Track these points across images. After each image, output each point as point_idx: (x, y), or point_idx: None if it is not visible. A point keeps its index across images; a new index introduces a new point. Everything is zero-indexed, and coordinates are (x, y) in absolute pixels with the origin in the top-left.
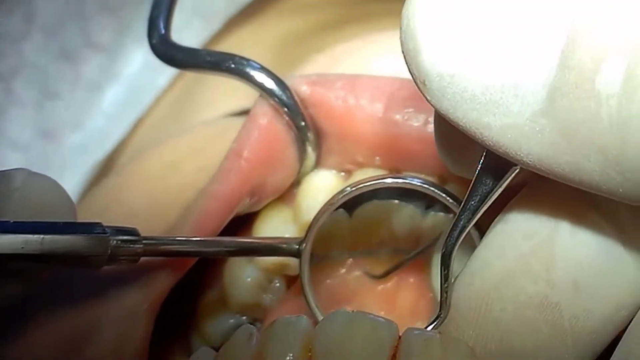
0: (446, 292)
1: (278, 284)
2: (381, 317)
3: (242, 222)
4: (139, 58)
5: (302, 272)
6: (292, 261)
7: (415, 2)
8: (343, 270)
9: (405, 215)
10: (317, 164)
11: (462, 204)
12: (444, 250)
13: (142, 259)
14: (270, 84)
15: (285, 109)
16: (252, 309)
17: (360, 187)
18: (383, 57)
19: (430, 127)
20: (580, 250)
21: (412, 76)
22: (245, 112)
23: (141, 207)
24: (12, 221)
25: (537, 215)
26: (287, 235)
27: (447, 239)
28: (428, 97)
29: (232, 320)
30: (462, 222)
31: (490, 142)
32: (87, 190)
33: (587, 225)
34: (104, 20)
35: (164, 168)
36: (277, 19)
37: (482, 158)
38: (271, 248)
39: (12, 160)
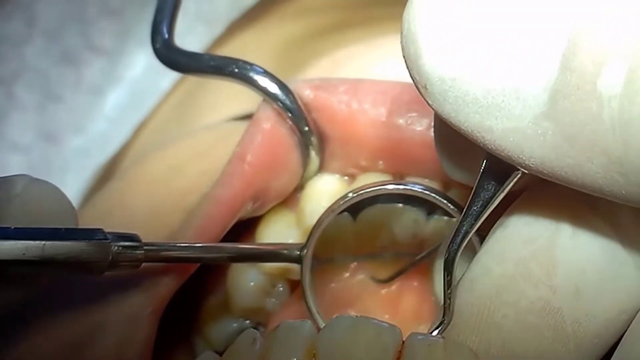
0: (449, 298)
1: (281, 288)
2: (385, 322)
3: (245, 227)
4: (141, 61)
5: (304, 278)
6: (295, 265)
7: (416, 6)
8: (347, 274)
9: (409, 219)
10: (321, 168)
11: (465, 209)
12: (446, 255)
13: (144, 264)
14: (273, 88)
15: (289, 114)
16: (256, 313)
17: (362, 193)
18: (386, 62)
19: None
20: (581, 254)
21: (414, 80)
22: (248, 117)
23: (144, 211)
24: (13, 227)
25: (537, 219)
26: (290, 240)
27: (449, 244)
28: (429, 101)
29: (235, 325)
30: (464, 228)
31: (492, 146)
32: (90, 194)
33: (588, 228)
34: (106, 24)
35: (167, 172)
36: (279, 23)
37: (483, 163)
38: (272, 254)
39: (14, 164)
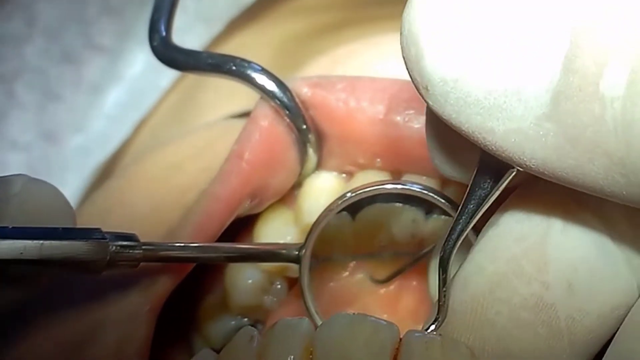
0: (444, 296)
1: (279, 286)
2: (382, 319)
3: (243, 224)
4: (140, 60)
5: (302, 278)
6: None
7: (416, 6)
8: (346, 274)
9: (408, 218)
10: (318, 166)
11: (460, 207)
12: (442, 254)
13: (142, 263)
14: (271, 86)
15: (286, 111)
16: (254, 311)
17: (360, 193)
18: (385, 60)
19: None
20: (572, 250)
21: (414, 82)
22: (246, 114)
23: (143, 209)
24: (11, 227)
25: (529, 217)
26: (288, 237)
27: (444, 242)
28: (430, 103)
29: (233, 322)
30: (459, 226)
31: (493, 147)
32: (89, 192)
33: (579, 224)
34: (106, 23)
35: (166, 170)
36: (279, 22)
37: (478, 161)
38: (271, 254)
39: (14, 163)
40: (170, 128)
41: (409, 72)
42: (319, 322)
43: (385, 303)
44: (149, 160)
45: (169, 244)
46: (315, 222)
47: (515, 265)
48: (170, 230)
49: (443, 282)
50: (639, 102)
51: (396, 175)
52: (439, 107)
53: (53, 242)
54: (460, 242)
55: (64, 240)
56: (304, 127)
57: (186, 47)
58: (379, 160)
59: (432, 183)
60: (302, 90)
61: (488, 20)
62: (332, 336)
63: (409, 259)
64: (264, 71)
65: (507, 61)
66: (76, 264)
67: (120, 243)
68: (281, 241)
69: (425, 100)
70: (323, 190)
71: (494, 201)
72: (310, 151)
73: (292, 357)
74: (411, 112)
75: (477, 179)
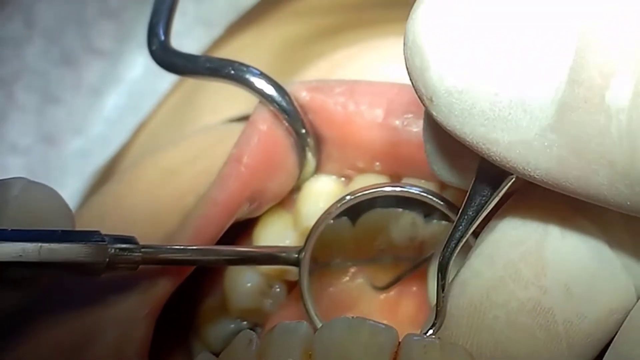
0: (442, 301)
1: (278, 289)
2: (381, 323)
3: (242, 228)
4: (140, 63)
5: (302, 281)
6: (293, 267)
7: (421, 17)
8: (346, 279)
9: (407, 222)
10: (317, 170)
11: (459, 213)
12: (441, 259)
13: (141, 266)
14: (269, 90)
15: (285, 115)
16: (253, 314)
17: (359, 196)
18: (384, 64)
19: None
20: (569, 255)
21: (418, 93)
22: (245, 118)
23: (141, 213)
24: (10, 229)
25: (526, 222)
26: (287, 241)
27: (444, 248)
28: (434, 114)
29: (232, 326)
30: (459, 233)
31: (497, 158)
32: (88, 195)
33: (576, 230)
34: (105, 26)
35: (164, 174)
36: (278, 25)
37: (477, 168)
38: (270, 257)
39: (13, 166)
40: (169, 132)
41: (412, 83)
42: (318, 325)
43: (385, 308)
44: (147, 164)
45: (168, 247)
46: (314, 225)
47: (512, 270)
48: (168, 234)
49: (442, 288)
50: None
51: (395, 179)
52: (444, 118)
53: (52, 244)
54: (459, 248)
55: (63, 242)
56: (303, 131)
57: (185, 51)
58: (377, 164)
59: (431, 186)
60: (301, 94)
61: (493, 30)
62: (331, 339)
63: (409, 265)
64: (262, 75)
65: (512, 72)
66: (75, 267)
67: (119, 245)
68: (280, 245)
69: (429, 112)
70: (322, 193)
71: (493, 207)
72: (309, 155)
73: None
74: (410, 116)
75: (476, 185)
